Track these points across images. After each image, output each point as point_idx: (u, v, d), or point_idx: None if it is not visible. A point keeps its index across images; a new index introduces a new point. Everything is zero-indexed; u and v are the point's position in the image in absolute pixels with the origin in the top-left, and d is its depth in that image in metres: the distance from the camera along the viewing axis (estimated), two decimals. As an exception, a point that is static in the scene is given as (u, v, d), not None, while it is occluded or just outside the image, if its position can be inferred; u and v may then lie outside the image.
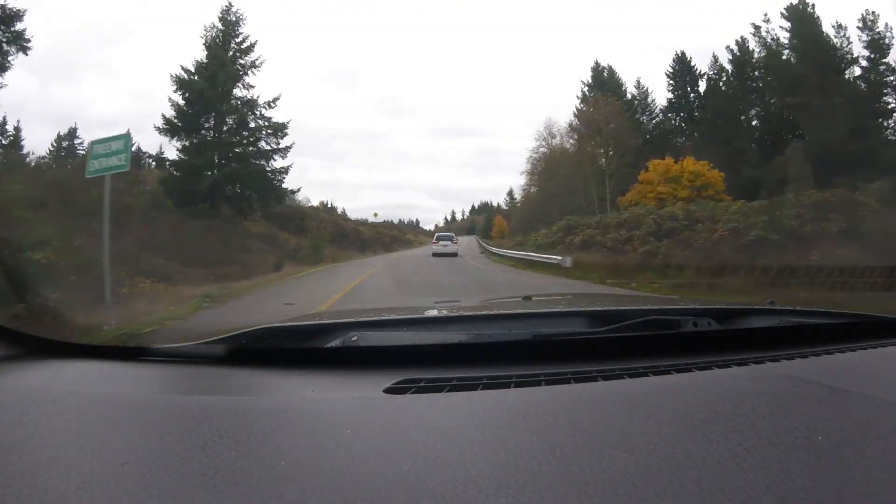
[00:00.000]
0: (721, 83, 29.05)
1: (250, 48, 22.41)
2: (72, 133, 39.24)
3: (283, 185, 22.70)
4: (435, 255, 23.05)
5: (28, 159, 23.88)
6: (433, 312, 1.52)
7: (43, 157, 28.33)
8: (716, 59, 29.16)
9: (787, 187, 19.00)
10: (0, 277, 3.29)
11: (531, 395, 0.75)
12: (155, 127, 20.74)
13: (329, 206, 59.95)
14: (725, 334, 1.07)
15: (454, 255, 23.46)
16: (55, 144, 38.05)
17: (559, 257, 15.93)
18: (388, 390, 0.75)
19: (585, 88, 33.16)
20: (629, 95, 32.53)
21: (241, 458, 0.55)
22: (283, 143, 22.14)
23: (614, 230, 18.17)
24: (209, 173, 20.90)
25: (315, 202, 52.36)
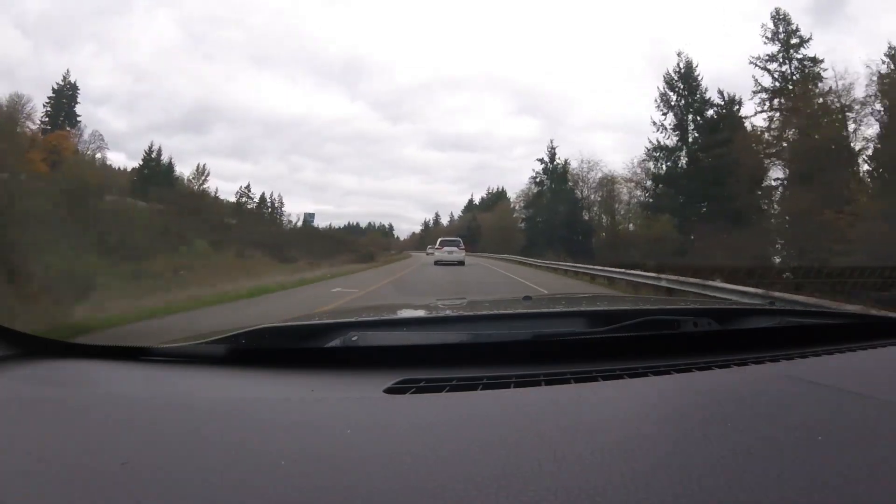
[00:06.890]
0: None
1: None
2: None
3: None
4: (437, 263, 20.68)
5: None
6: (433, 312, 1.52)
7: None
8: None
9: None
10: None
11: (531, 395, 0.75)
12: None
13: (262, 201, 45.59)
14: (725, 334, 1.07)
15: (461, 263, 20.33)
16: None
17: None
18: (388, 390, 0.75)
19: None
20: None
21: (242, 457, 0.55)
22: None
23: None
24: None
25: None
